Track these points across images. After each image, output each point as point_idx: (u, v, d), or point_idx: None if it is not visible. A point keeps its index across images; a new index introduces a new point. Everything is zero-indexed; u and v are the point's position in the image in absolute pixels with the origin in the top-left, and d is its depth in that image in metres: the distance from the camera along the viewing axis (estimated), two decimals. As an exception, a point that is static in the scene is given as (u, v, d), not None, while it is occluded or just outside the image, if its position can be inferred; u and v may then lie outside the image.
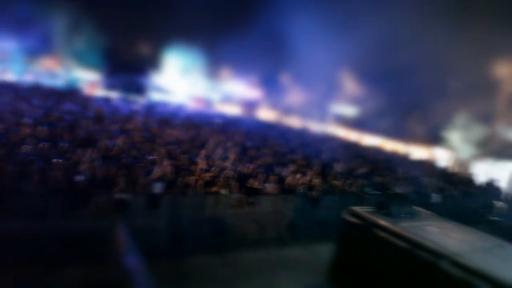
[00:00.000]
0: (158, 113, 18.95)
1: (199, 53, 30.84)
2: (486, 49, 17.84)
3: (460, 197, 13.51)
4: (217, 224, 8.61)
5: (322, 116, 27.57)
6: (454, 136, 20.41)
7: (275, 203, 9.55)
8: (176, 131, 14.56)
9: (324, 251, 7.74)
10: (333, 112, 28.96)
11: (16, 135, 9.56)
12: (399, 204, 7.06)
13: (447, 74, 19.82)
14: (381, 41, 18.88)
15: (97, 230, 5.20)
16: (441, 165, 19.15)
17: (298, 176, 10.82)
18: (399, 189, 12.05)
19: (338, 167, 13.00)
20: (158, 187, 8.08)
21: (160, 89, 31.19)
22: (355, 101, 27.25)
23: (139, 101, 25.36)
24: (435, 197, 12.51)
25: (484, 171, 17.45)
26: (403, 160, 18.96)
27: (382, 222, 6.34)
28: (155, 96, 29.96)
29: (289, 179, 10.48)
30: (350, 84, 26.36)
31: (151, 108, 20.97)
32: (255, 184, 9.57)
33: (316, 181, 10.77)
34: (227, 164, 10.56)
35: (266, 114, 31.55)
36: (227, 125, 19.22)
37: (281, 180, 10.40)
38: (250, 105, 32.16)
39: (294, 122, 28.56)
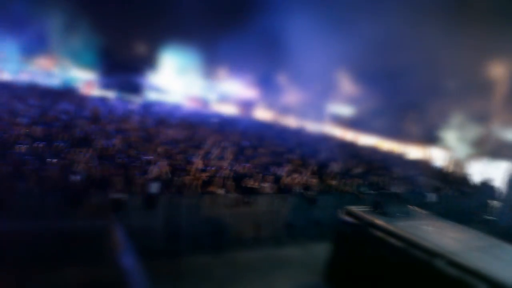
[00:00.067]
0: (155, 113, 18.93)
1: (196, 53, 30.80)
2: (482, 49, 17.92)
3: (456, 197, 13.58)
4: (213, 223, 8.62)
5: (319, 115, 27.59)
6: (450, 135, 20.50)
7: (271, 202, 9.57)
8: (173, 131, 14.55)
9: (320, 250, 7.77)
10: (330, 111, 28.99)
11: (12, 134, 9.52)
12: (395, 204, 7.09)
13: (443, 74, 19.90)
14: (377, 41, 18.92)
15: (93, 230, 5.18)
16: (437, 165, 19.23)
17: (295, 175, 10.84)
18: (395, 189, 12.09)
19: (335, 167, 13.03)
20: (154, 187, 8.07)
21: (156, 89, 31.14)
22: (351, 101, 27.29)
23: (136, 101, 25.32)
24: (431, 197, 12.57)
25: (480, 170, 17.54)
26: (399, 159, 19.02)
27: (378, 221, 6.37)
28: (151, 96, 29.92)
29: (285, 179, 10.49)
30: (346, 84, 26.41)
31: (147, 108, 20.95)
32: (252, 183, 9.58)
33: (313, 180, 10.79)
34: (224, 164, 10.56)
35: (262, 114, 31.56)
36: (224, 125, 19.23)
37: (277, 179, 10.41)
38: (247, 105, 32.16)
39: (291, 121, 28.59)
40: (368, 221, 6.45)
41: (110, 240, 4.90)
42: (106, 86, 28.10)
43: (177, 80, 31.78)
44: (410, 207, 7.38)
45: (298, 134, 22.12)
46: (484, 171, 17.05)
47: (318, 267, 7.37)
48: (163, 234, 8.02)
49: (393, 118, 21.60)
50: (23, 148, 8.42)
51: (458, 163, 19.25)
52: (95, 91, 27.03)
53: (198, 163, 10.08)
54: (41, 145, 8.76)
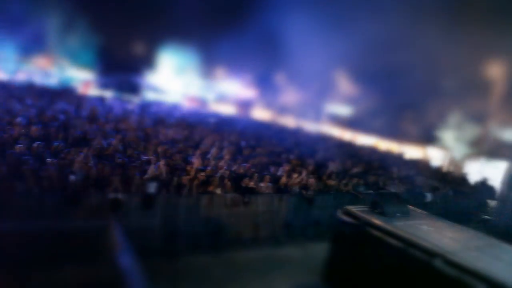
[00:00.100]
0: (153, 113, 18.89)
1: (194, 53, 30.77)
2: (480, 49, 17.97)
3: (454, 196, 13.61)
4: (211, 223, 8.62)
5: (317, 115, 27.61)
6: (448, 135, 20.54)
7: (270, 202, 9.57)
8: (171, 130, 14.52)
9: (319, 250, 7.76)
10: (328, 111, 29.01)
11: (9, 134, 9.48)
12: (394, 204, 7.10)
13: (440, 74, 19.94)
14: (375, 41, 18.95)
15: (91, 229, 5.17)
16: (435, 165, 19.27)
17: (293, 175, 10.84)
18: (393, 188, 12.12)
19: (333, 167, 13.04)
20: (152, 187, 8.06)
21: (154, 89, 31.07)
22: (349, 100, 27.32)
23: (134, 101, 25.25)
24: (429, 196, 12.59)
25: (477, 170, 17.59)
26: (397, 159, 19.04)
27: (376, 221, 6.38)
28: (149, 96, 29.85)
29: (283, 179, 10.50)
30: (344, 84, 26.44)
31: (145, 108, 20.90)
32: (250, 183, 9.58)
33: (311, 180, 10.79)
34: (222, 163, 10.55)
35: (260, 113, 31.54)
36: (222, 125, 19.20)
37: (276, 179, 10.41)
38: (245, 105, 32.13)
39: (289, 121, 28.58)
40: (367, 221, 6.46)
41: (108, 240, 4.89)
42: (104, 85, 28.00)
43: (175, 80, 31.73)
44: (409, 207, 7.39)
45: (296, 134, 22.11)
46: (482, 171, 17.10)
47: (317, 267, 7.37)
48: (161, 234, 8.01)
49: (391, 118, 21.64)
50: (21, 148, 8.38)
51: (456, 163, 19.31)
52: (93, 91, 26.92)
53: (196, 163, 10.07)
54: (39, 145, 8.71)
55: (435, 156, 20.66)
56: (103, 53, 27.93)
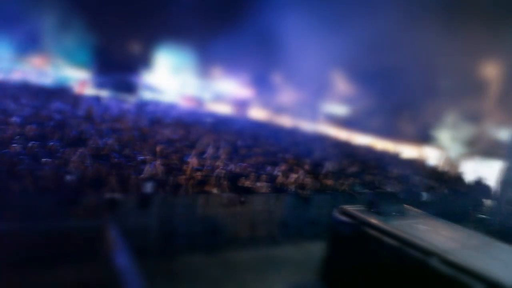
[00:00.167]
0: (149, 112, 18.85)
1: (191, 52, 30.71)
2: (475, 49, 18.04)
3: (450, 196, 13.66)
4: (208, 223, 8.61)
5: (313, 115, 27.63)
6: (444, 135, 20.62)
7: (266, 202, 9.57)
8: (168, 130, 14.51)
9: (315, 250, 7.78)
10: (324, 111, 29.05)
11: (4, 134, 9.44)
12: (390, 203, 7.11)
13: (436, 74, 20.01)
14: (371, 41, 18.99)
15: (88, 229, 5.16)
16: (431, 164, 19.33)
17: (290, 175, 10.85)
18: (389, 188, 12.15)
19: (329, 166, 13.06)
20: (149, 187, 8.05)
21: (151, 88, 30.99)
22: (346, 100, 27.36)
23: (130, 100, 25.18)
24: (425, 196, 12.64)
25: (473, 169, 17.66)
26: (394, 159, 19.10)
27: (373, 220, 6.39)
28: (146, 95, 29.77)
29: (280, 178, 10.50)
30: (341, 84, 26.48)
31: (142, 107, 20.86)
32: (247, 183, 9.58)
33: (307, 180, 10.81)
34: (219, 163, 10.55)
35: (257, 113, 31.53)
36: (219, 124, 19.19)
37: (272, 179, 10.42)
38: (242, 104, 32.12)
39: (285, 121, 28.59)
40: (363, 220, 6.47)
41: (105, 239, 4.89)
42: (100, 85, 27.89)
43: (172, 80, 31.67)
44: (405, 206, 7.41)
45: (293, 134, 22.13)
46: (478, 170, 17.18)
47: (313, 266, 7.38)
48: (158, 233, 8.00)
49: (387, 118, 21.69)
50: (16, 147, 8.34)
51: (452, 162, 19.38)
52: (89, 90, 26.83)
53: (193, 162, 10.06)
54: (35, 144, 8.68)
55: (431, 156, 20.72)
56: (99, 53, 27.82)
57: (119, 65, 28.28)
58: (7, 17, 23.46)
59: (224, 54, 27.27)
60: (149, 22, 27.53)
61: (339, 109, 28.93)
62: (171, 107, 25.01)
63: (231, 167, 10.47)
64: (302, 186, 10.41)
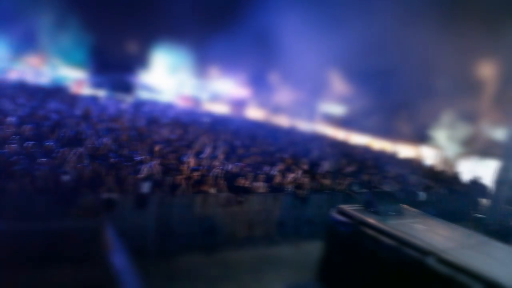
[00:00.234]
0: (146, 112, 18.82)
1: (188, 52, 30.67)
2: (472, 49, 18.10)
3: (446, 195, 13.71)
4: (205, 223, 8.60)
5: (310, 115, 27.68)
6: (440, 134, 20.70)
7: (264, 202, 9.57)
8: (165, 130, 14.48)
9: (313, 249, 7.78)
10: (321, 111, 29.09)
11: (1, 134, 9.39)
12: (387, 202, 7.12)
13: (433, 74, 20.07)
14: (369, 41, 19.03)
15: (84, 229, 5.15)
16: (428, 164, 19.39)
17: (287, 174, 10.86)
18: (387, 188, 12.18)
19: (327, 166, 13.08)
20: (146, 187, 8.03)
21: (148, 88, 30.94)
22: (343, 100, 27.40)
23: (127, 100, 25.12)
24: (422, 195, 12.67)
25: (470, 169, 17.73)
26: (391, 158, 19.16)
27: (370, 220, 6.40)
28: (143, 95, 29.71)
29: (278, 178, 10.51)
30: (338, 83, 26.51)
31: (139, 107, 20.81)
32: (244, 183, 9.57)
33: (305, 179, 10.81)
34: (216, 163, 10.54)
35: (254, 113, 31.55)
36: (216, 124, 19.18)
37: (270, 178, 10.42)
38: (239, 104, 32.12)
39: (283, 121, 28.62)
40: (360, 220, 6.48)
41: (102, 240, 4.87)
42: (97, 85, 27.81)
43: (169, 79, 31.63)
44: (402, 205, 7.43)
45: (290, 133, 22.16)
46: (474, 169, 17.25)
47: (311, 266, 7.39)
48: (155, 233, 7.98)
49: (384, 117, 21.76)
50: (13, 147, 8.31)
51: (449, 162, 19.45)
52: (86, 90, 26.75)
53: (190, 162, 10.05)
54: (31, 144, 8.65)
55: (428, 155, 20.80)
56: (96, 52, 27.75)
57: (116, 64, 28.21)
58: (4, 16, 23.36)
59: (221, 54, 27.26)
60: (146, 21, 27.47)
61: (337, 109, 28.98)
62: (168, 107, 24.98)
63: (229, 167, 10.46)
64: (299, 186, 10.41)
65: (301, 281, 7.63)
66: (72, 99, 18.78)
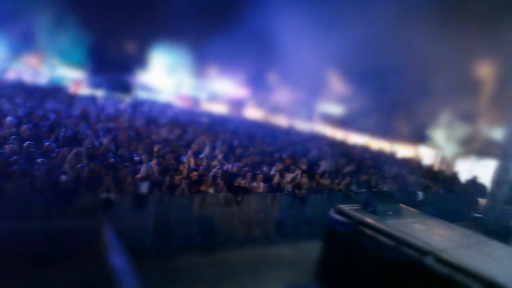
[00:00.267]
0: (145, 112, 18.78)
1: (186, 51, 30.63)
2: (470, 49, 18.13)
3: (445, 195, 13.73)
4: (204, 223, 8.60)
5: (309, 114, 27.68)
6: (439, 134, 20.72)
7: (262, 201, 9.58)
8: (163, 130, 14.46)
9: (311, 249, 7.78)
10: (320, 110, 29.10)
11: (-1, 134, 9.37)
12: (385, 202, 7.13)
13: (431, 73, 20.08)
14: (367, 40, 19.03)
15: (83, 229, 5.14)
16: (426, 163, 19.41)
17: (286, 174, 10.85)
18: (385, 187, 12.19)
19: (325, 166, 13.07)
20: (144, 187, 8.03)
21: (146, 88, 30.89)
22: (341, 100, 27.41)
23: (126, 100, 25.07)
24: (420, 195, 12.68)
25: (468, 169, 17.77)
26: (389, 158, 19.16)
27: (369, 220, 6.41)
28: (141, 95, 29.65)
29: (276, 178, 10.50)
30: (336, 83, 26.51)
31: (137, 107, 20.77)
32: (243, 182, 9.57)
33: (303, 179, 10.81)
34: (215, 163, 10.53)
35: (253, 113, 31.52)
36: (214, 124, 19.15)
37: (268, 178, 10.42)
38: (237, 104, 32.10)
39: (281, 120, 28.61)
40: (359, 220, 6.48)
41: (100, 240, 4.87)
42: (95, 84, 27.74)
43: (167, 79, 31.60)
44: (401, 205, 7.43)
45: (289, 133, 22.14)
46: (473, 169, 17.29)
47: (309, 266, 7.39)
48: (153, 233, 7.97)
49: (383, 117, 21.77)
50: (10, 148, 8.28)
51: (447, 162, 19.48)
52: (84, 90, 26.68)
53: (189, 162, 10.04)
54: (29, 144, 8.62)
55: (427, 155, 20.82)
56: (94, 52, 27.68)
57: (114, 64, 28.14)
58: (1, 16, 23.30)
59: (219, 54, 27.21)
60: (144, 21, 27.42)
61: (335, 109, 28.99)
62: (166, 106, 24.93)
63: (227, 166, 10.45)
64: (298, 186, 10.41)
65: (300, 281, 7.63)
66: (71, 99, 18.72)
